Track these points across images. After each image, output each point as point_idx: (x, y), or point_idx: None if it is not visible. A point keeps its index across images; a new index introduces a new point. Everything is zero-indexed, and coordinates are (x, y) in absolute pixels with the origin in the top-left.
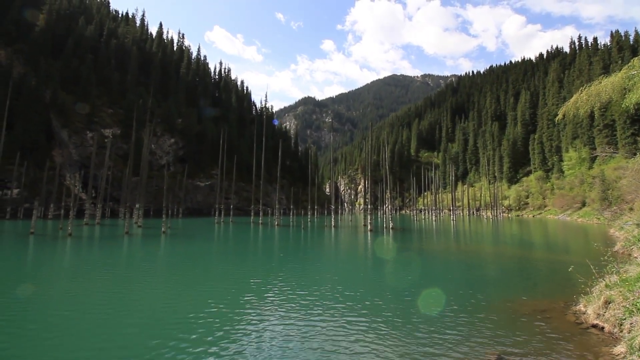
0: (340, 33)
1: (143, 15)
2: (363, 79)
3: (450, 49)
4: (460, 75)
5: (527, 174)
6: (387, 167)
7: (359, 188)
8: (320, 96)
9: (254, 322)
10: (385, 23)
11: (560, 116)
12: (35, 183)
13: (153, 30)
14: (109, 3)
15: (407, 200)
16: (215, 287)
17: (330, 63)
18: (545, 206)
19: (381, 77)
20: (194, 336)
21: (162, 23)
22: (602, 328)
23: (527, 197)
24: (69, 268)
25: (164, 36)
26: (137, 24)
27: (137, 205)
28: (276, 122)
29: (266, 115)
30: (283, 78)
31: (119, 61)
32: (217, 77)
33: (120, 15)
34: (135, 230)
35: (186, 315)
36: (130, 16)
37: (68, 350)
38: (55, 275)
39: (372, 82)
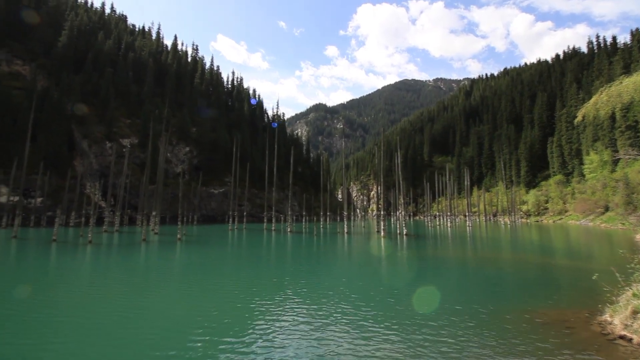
0: (343, 38)
1: (159, 28)
2: (369, 83)
3: (457, 51)
4: (474, 78)
5: (546, 177)
6: (399, 172)
7: (372, 194)
8: (327, 102)
9: (267, 327)
10: (389, 27)
11: (579, 118)
12: (58, 192)
13: (168, 42)
14: (126, 18)
15: (421, 206)
16: (230, 293)
17: (335, 69)
18: (565, 211)
19: (388, 81)
20: (206, 342)
21: (177, 35)
22: (631, 339)
23: (547, 201)
24: (88, 274)
25: (179, 48)
26: (153, 37)
27: (153, 213)
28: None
29: (278, 122)
30: (288, 85)
31: (136, 73)
32: (229, 86)
33: (137, 29)
34: (152, 238)
35: (200, 320)
36: (146, 30)
37: (81, 354)
38: (75, 281)
39: (383, 88)
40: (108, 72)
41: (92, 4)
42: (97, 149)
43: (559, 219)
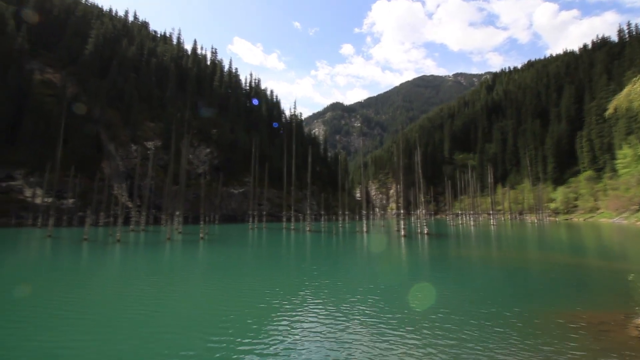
0: (358, 36)
1: (179, 34)
2: (386, 81)
3: (477, 44)
4: (496, 72)
5: (575, 174)
6: (419, 170)
7: (391, 192)
8: (344, 100)
9: (288, 329)
10: (405, 22)
11: (610, 110)
12: (88, 193)
13: (188, 47)
14: (148, 24)
15: (442, 204)
16: (252, 292)
17: (351, 67)
18: (597, 209)
19: (406, 78)
20: (227, 342)
21: (196, 40)
22: None
23: (576, 199)
24: (116, 273)
25: (198, 52)
26: (174, 43)
27: (177, 213)
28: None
29: (295, 122)
30: (304, 85)
31: (159, 78)
32: (247, 87)
33: (158, 35)
34: (176, 237)
35: (221, 321)
36: (167, 36)
37: (100, 352)
38: (103, 280)
39: (401, 85)
40: (132, 77)
41: (116, 12)
42: (123, 152)
43: (590, 217)
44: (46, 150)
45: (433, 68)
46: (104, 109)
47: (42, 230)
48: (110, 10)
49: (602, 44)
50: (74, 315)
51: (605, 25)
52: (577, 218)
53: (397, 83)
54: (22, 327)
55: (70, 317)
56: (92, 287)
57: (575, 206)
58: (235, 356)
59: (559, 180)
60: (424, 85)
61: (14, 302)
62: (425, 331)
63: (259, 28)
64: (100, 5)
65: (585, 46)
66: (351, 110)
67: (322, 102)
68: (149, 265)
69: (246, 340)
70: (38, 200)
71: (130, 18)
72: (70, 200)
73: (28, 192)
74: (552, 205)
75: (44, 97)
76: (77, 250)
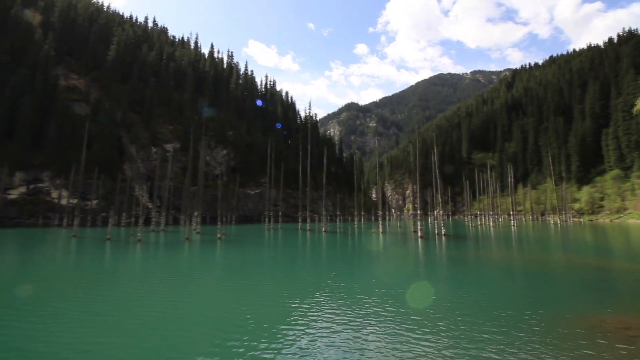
0: (372, 35)
1: (196, 38)
2: (401, 80)
3: (496, 40)
4: (515, 68)
5: (601, 173)
6: (436, 170)
7: (407, 193)
8: (358, 100)
9: (303, 333)
10: (420, 20)
11: (638, 106)
12: (110, 194)
13: (205, 50)
14: (167, 30)
15: (460, 205)
16: (268, 294)
17: (365, 67)
18: (625, 209)
19: (421, 76)
20: (243, 345)
21: (213, 44)
22: None
23: (602, 199)
24: (136, 272)
25: (215, 56)
26: (192, 47)
27: (195, 213)
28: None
29: (310, 123)
30: (318, 85)
31: (177, 82)
32: (263, 89)
33: (177, 40)
34: (195, 237)
35: (237, 322)
36: (185, 40)
37: (112, 355)
38: (123, 280)
39: (417, 83)
40: (152, 81)
41: (136, 18)
42: (144, 154)
43: (617, 218)
44: (71, 153)
45: (450, 66)
46: (125, 112)
47: (67, 230)
48: (131, 17)
49: (629, 37)
50: (88, 316)
51: (632, 18)
52: (603, 219)
53: (412, 82)
54: (28, 327)
55: (82, 317)
56: (111, 287)
57: (601, 206)
58: (250, 357)
59: (584, 179)
60: (441, 83)
61: (27, 301)
62: (442, 335)
63: (273, 30)
64: (121, 13)
65: (610, 40)
66: (366, 110)
67: (336, 102)
68: (167, 266)
69: (261, 343)
70: (64, 202)
71: (150, 24)
72: (94, 201)
73: (54, 194)
74: (577, 206)
75: (69, 102)
76: (100, 249)
